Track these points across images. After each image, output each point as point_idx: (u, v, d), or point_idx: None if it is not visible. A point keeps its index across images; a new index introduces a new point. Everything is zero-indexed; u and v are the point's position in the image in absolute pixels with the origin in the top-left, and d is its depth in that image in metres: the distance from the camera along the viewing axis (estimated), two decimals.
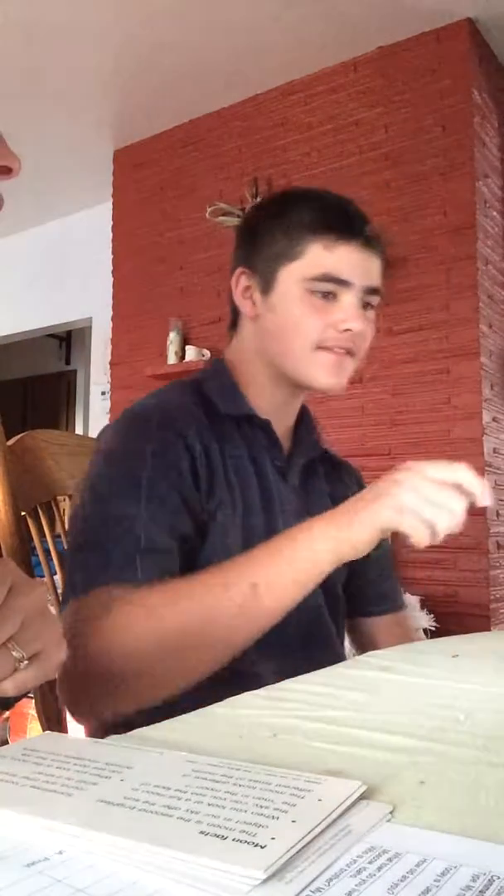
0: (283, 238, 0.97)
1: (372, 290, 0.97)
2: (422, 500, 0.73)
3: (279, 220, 0.98)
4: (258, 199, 3.37)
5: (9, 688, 0.50)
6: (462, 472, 0.75)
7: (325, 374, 0.97)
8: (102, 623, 0.76)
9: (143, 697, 0.75)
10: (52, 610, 0.99)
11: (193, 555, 0.90)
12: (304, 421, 1.10)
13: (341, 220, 0.96)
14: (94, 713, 0.80)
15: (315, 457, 1.10)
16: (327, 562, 0.77)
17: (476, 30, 3.04)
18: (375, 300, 0.99)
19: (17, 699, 0.57)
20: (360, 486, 1.17)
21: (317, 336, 0.95)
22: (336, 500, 1.10)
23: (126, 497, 0.85)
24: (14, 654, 0.50)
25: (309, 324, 0.95)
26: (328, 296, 0.95)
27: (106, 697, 0.77)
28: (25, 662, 0.51)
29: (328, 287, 0.95)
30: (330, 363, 0.96)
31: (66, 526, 0.98)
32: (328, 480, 1.12)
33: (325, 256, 0.95)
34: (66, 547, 0.92)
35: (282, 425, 1.05)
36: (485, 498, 0.74)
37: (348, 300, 0.95)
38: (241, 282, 1.02)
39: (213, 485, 0.92)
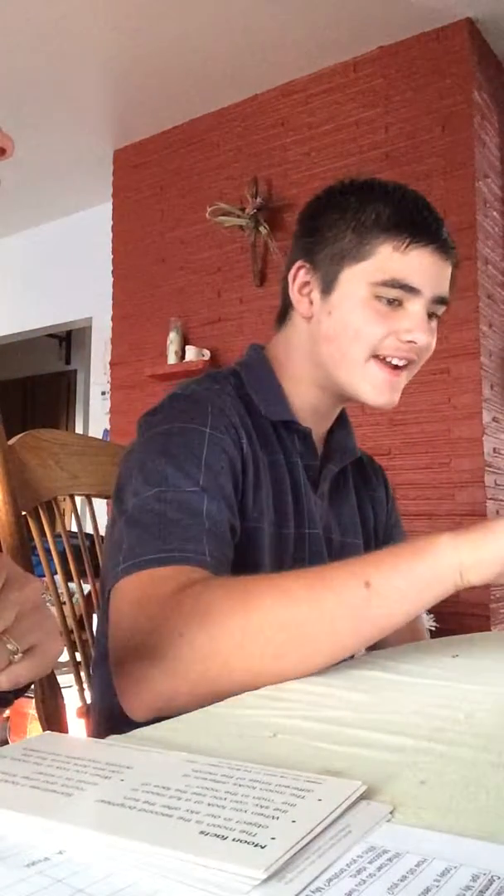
0: (352, 235, 0.89)
1: (441, 300, 0.91)
2: None
3: (348, 215, 0.90)
4: (258, 199, 3.37)
5: (2, 681, 0.50)
6: None
7: (376, 390, 0.91)
8: (195, 602, 0.67)
9: (238, 682, 0.65)
10: (52, 609, 1.00)
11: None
12: (342, 424, 1.04)
13: (417, 221, 0.88)
14: (161, 699, 0.67)
15: (347, 466, 1.04)
16: (447, 571, 0.67)
17: (476, 30, 3.04)
18: (442, 310, 0.92)
19: (15, 696, 0.56)
20: (385, 485, 1.13)
21: (376, 343, 0.88)
22: (362, 502, 1.07)
23: (186, 476, 0.78)
24: (8, 647, 0.50)
25: (370, 330, 0.88)
26: (393, 302, 0.88)
27: (196, 680, 0.67)
28: (19, 655, 0.50)
29: (395, 294, 0.88)
30: (382, 380, 0.90)
31: (73, 527, 0.96)
32: (355, 483, 1.07)
33: (396, 260, 0.87)
34: (111, 519, 0.85)
35: (319, 429, 0.99)
36: None
37: (415, 309, 0.88)
38: (300, 277, 0.94)
39: (251, 488, 0.87)
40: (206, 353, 3.53)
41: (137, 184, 3.98)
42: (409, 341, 0.88)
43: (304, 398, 0.96)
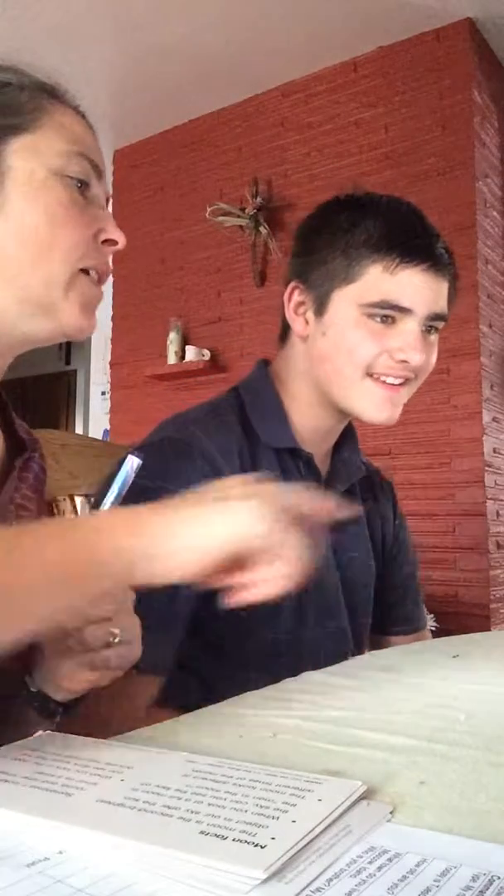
0: (341, 256, 0.89)
1: (437, 317, 0.90)
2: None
3: (338, 236, 0.90)
4: (258, 199, 3.37)
5: (111, 655, 0.56)
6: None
7: (374, 407, 0.90)
8: None
9: None
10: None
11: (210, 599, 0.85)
12: (347, 441, 1.03)
13: (407, 241, 0.87)
14: None
15: (355, 481, 1.03)
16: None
17: (476, 30, 3.04)
18: (440, 325, 0.92)
19: (64, 712, 0.59)
20: (393, 499, 1.13)
21: (370, 361, 0.88)
22: (371, 517, 1.06)
23: None
24: (112, 629, 0.56)
25: (363, 349, 0.88)
26: (387, 319, 0.88)
27: None
28: (119, 640, 0.56)
29: (387, 313, 0.88)
30: (379, 396, 0.90)
31: None
32: (363, 497, 1.06)
33: (385, 280, 0.87)
34: None
35: (322, 447, 0.99)
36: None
37: (409, 328, 0.88)
38: (295, 297, 0.94)
39: None
40: (206, 353, 3.53)
41: (137, 184, 3.98)
42: (403, 360, 0.88)
43: (306, 417, 0.95)
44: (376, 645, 1.11)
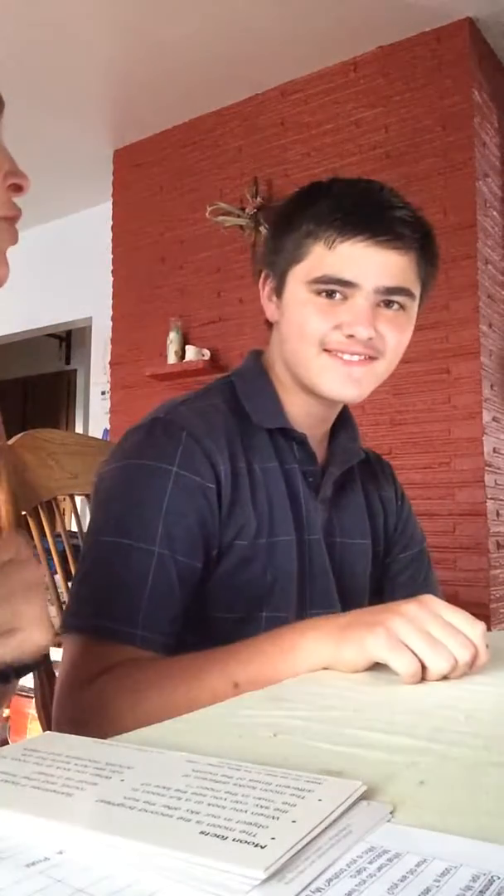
0: (290, 239, 0.92)
1: (393, 290, 0.89)
2: (419, 638, 0.64)
3: (287, 220, 0.93)
4: (258, 199, 3.37)
5: None
6: (477, 630, 0.66)
7: (334, 382, 0.91)
8: (97, 697, 0.75)
9: None
10: (52, 609, 0.99)
11: (207, 576, 0.87)
12: (344, 426, 1.04)
13: (347, 216, 0.88)
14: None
15: (353, 465, 1.04)
16: (308, 669, 0.71)
17: (476, 29, 3.04)
18: (405, 300, 0.91)
19: (17, 675, 0.56)
20: (395, 482, 1.14)
21: (320, 337, 0.89)
22: (371, 502, 1.07)
23: (142, 529, 0.82)
24: None
25: (312, 326, 0.89)
26: (334, 295, 0.89)
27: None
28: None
29: (331, 288, 0.88)
30: (337, 372, 0.90)
31: (73, 527, 0.97)
32: (363, 483, 1.07)
33: (326, 255, 0.88)
34: (81, 550, 0.90)
35: (317, 432, 0.99)
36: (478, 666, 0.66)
37: (356, 302, 0.88)
38: (267, 285, 0.98)
39: (237, 509, 0.88)
40: (206, 353, 3.53)
41: (137, 183, 3.98)
42: (350, 335, 0.88)
43: (296, 402, 0.97)
44: None
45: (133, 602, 0.80)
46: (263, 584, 0.89)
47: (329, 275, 0.88)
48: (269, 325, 1.00)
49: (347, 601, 0.99)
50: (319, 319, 0.89)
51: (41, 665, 0.66)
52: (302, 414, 0.97)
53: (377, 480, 1.10)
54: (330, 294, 0.89)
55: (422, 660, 0.64)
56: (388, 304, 0.90)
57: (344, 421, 1.04)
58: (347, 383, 0.91)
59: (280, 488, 0.93)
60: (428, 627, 0.65)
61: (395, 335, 0.91)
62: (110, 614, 0.80)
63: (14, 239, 0.63)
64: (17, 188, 0.63)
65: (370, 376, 0.92)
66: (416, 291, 0.93)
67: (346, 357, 0.90)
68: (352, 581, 1.01)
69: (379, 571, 1.08)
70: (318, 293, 0.89)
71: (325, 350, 0.90)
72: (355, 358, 0.90)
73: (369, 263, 0.88)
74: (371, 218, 0.88)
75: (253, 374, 0.99)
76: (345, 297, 0.89)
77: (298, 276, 0.91)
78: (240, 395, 0.96)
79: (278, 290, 0.95)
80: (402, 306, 0.91)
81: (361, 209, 0.89)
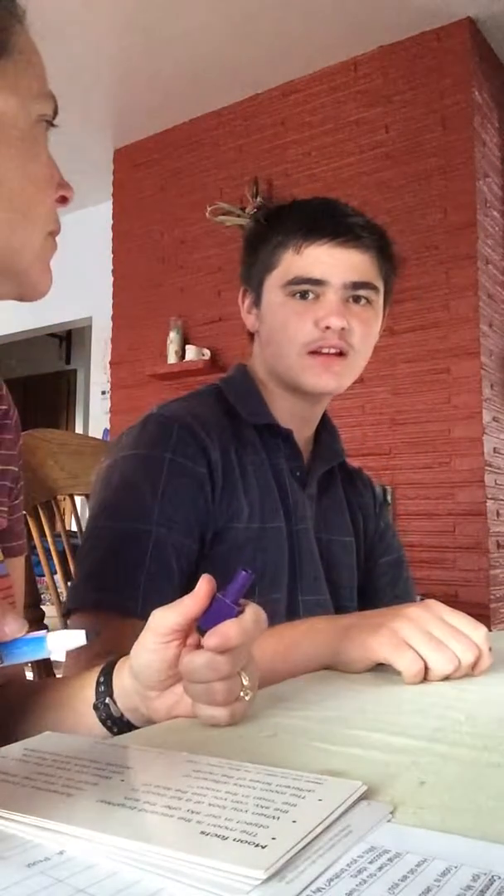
0: (263, 252, 1.01)
1: (358, 285, 0.97)
2: (423, 639, 0.66)
3: (259, 237, 1.02)
4: (258, 199, 3.37)
5: (224, 716, 0.52)
6: (480, 633, 0.68)
7: (315, 376, 0.97)
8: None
9: None
10: (53, 609, 1.00)
11: (202, 560, 0.90)
12: (326, 428, 1.11)
13: (310, 224, 0.97)
14: None
15: (335, 465, 1.11)
16: (309, 670, 0.74)
17: (476, 29, 3.04)
18: (370, 294, 0.99)
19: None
20: (373, 491, 1.18)
21: (306, 338, 0.96)
22: (350, 504, 1.13)
23: (139, 510, 0.86)
24: (244, 682, 0.53)
25: (291, 323, 0.97)
26: (307, 295, 0.97)
27: None
28: (250, 694, 0.53)
29: (304, 288, 0.96)
30: (317, 365, 0.97)
31: (72, 527, 0.97)
32: (343, 487, 1.13)
33: (296, 260, 0.97)
34: (80, 539, 0.93)
35: (303, 433, 1.05)
36: (481, 669, 0.68)
37: (328, 298, 0.96)
38: (246, 299, 1.06)
39: (229, 494, 0.92)
40: (206, 353, 3.53)
41: (138, 183, 3.98)
42: (326, 327, 0.95)
43: (280, 404, 1.04)
44: None
45: (134, 576, 0.82)
46: (255, 568, 0.91)
47: (300, 275, 0.97)
48: (251, 336, 1.08)
49: (336, 593, 1.03)
50: (298, 319, 0.97)
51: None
52: (287, 414, 1.03)
53: (355, 487, 1.16)
54: (303, 295, 0.97)
55: (425, 660, 0.65)
56: (356, 299, 0.98)
57: (325, 424, 1.11)
58: (326, 376, 0.97)
59: (269, 480, 0.98)
60: (431, 629, 0.67)
61: (363, 329, 0.99)
62: (111, 588, 0.82)
63: (55, 250, 0.63)
64: (64, 200, 0.63)
65: (346, 369, 0.99)
66: (380, 286, 1.01)
67: (325, 351, 0.97)
68: (339, 574, 1.06)
69: (361, 574, 1.12)
70: (293, 294, 0.97)
71: (308, 353, 0.97)
72: (332, 351, 0.97)
73: (335, 262, 0.96)
74: (332, 223, 0.97)
75: (239, 379, 1.06)
76: (317, 296, 0.97)
77: (273, 283, 0.99)
78: (228, 397, 1.02)
79: (256, 301, 1.03)
80: (368, 301, 0.99)
81: (323, 217, 0.98)
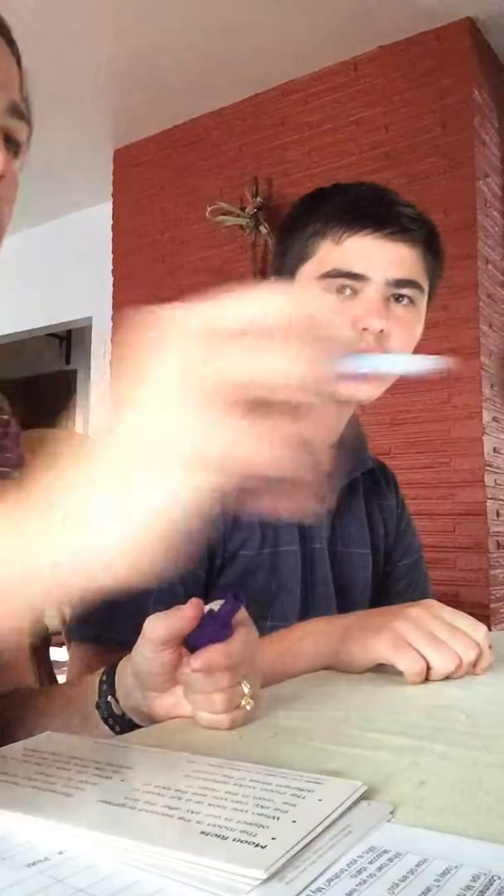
0: (297, 240, 0.92)
1: (402, 283, 0.88)
2: (424, 639, 0.66)
3: (294, 223, 0.93)
4: (258, 199, 3.37)
5: (224, 722, 0.52)
6: (480, 632, 0.68)
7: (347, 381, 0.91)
8: None
9: None
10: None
11: (210, 585, 0.87)
12: (352, 434, 1.02)
13: (353, 212, 0.88)
14: None
15: (358, 476, 1.03)
16: (309, 670, 0.73)
17: (476, 29, 3.04)
18: (414, 293, 0.90)
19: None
20: (396, 490, 1.13)
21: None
22: (371, 512, 1.06)
23: None
24: (245, 690, 0.53)
25: None
26: (344, 290, 0.87)
27: None
28: (251, 703, 0.53)
29: (341, 283, 0.87)
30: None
31: None
32: (365, 492, 1.06)
33: (334, 251, 0.88)
34: None
35: (326, 441, 0.98)
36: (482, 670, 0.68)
37: (367, 295, 0.87)
38: None
39: (241, 519, 0.87)
40: None
41: (137, 183, 3.98)
42: (364, 328, 0.86)
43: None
44: None
45: (137, 612, 0.80)
46: (268, 593, 0.89)
47: (338, 268, 0.87)
48: None
49: (345, 610, 0.98)
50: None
51: None
52: (310, 422, 0.97)
53: (380, 489, 1.09)
54: (340, 290, 0.88)
55: (427, 660, 0.65)
56: (398, 298, 0.89)
57: (353, 429, 1.02)
58: (363, 385, 0.89)
59: None
60: (432, 629, 0.67)
61: (404, 333, 0.89)
62: (115, 626, 0.78)
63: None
64: None
65: (381, 376, 0.90)
66: (425, 285, 0.91)
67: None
68: (351, 591, 1.01)
69: (378, 580, 1.08)
70: (328, 289, 0.88)
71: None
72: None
73: (378, 255, 0.87)
74: (377, 212, 0.88)
75: None
76: (355, 292, 0.88)
77: (307, 274, 0.90)
78: None
79: None
80: (411, 301, 0.90)
81: (367, 204, 0.89)
